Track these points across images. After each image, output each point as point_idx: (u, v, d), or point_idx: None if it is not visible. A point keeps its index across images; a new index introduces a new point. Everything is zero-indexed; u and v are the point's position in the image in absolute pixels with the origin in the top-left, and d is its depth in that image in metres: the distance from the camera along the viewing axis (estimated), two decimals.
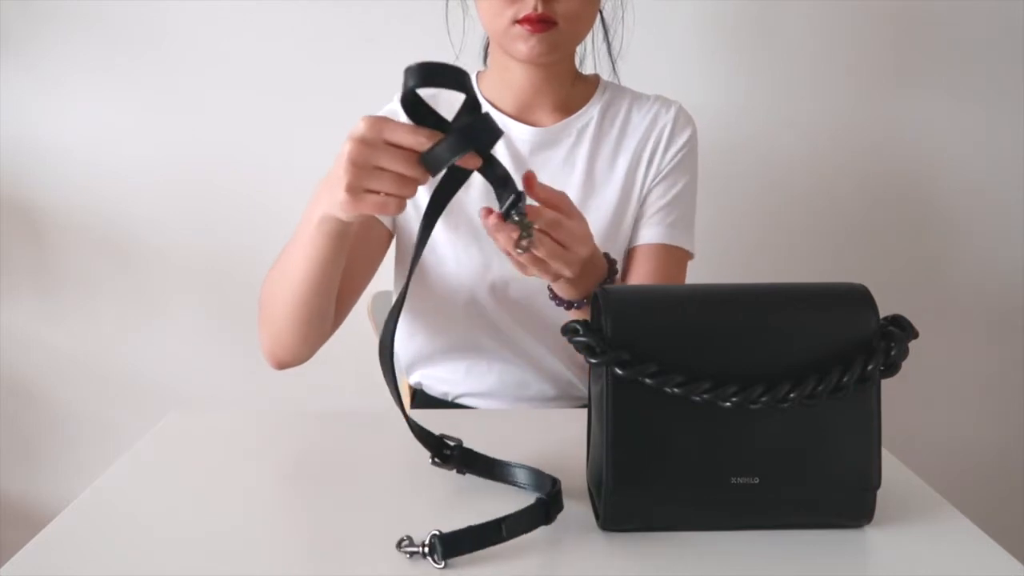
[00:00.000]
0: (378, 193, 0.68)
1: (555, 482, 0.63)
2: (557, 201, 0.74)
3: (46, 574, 0.56)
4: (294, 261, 0.86)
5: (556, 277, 0.78)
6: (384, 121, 0.66)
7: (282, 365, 0.97)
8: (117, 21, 1.49)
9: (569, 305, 0.87)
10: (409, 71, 0.63)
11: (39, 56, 1.50)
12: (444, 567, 0.56)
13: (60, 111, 1.52)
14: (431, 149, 0.64)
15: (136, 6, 1.49)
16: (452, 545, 0.56)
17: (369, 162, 0.66)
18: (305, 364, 1.51)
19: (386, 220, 1.03)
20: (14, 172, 1.54)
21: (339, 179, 0.68)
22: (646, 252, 1.03)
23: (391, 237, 1.05)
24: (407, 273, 0.70)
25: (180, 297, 1.59)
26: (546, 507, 0.60)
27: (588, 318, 0.89)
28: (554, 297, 0.88)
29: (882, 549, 0.60)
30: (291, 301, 0.89)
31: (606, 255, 0.87)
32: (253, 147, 1.54)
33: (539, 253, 0.72)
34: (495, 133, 0.65)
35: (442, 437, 0.69)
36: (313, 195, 0.79)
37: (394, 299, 1.16)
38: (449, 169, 0.67)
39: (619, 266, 1.04)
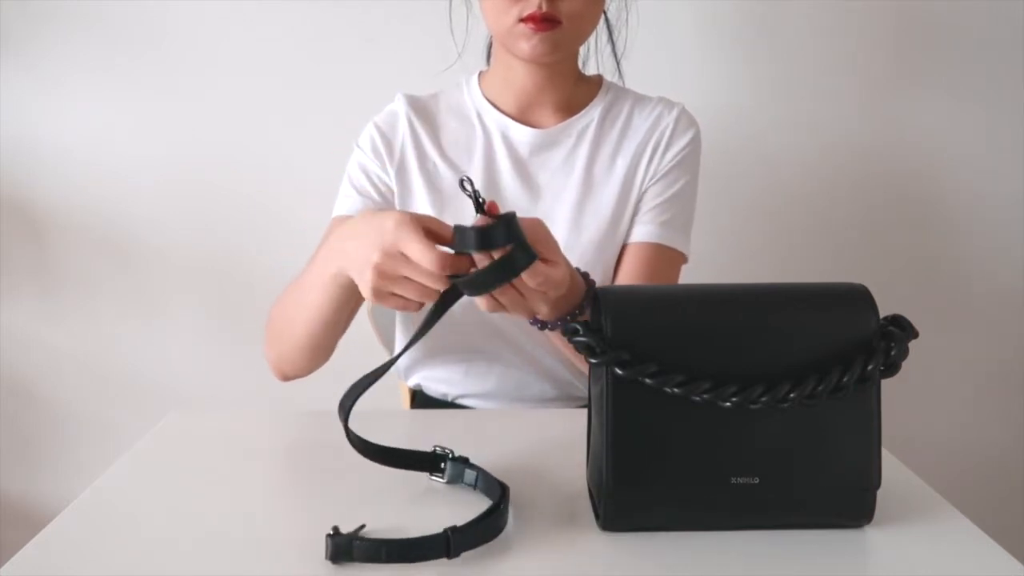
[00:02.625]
0: (400, 297, 0.71)
1: (500, 501, 0.61)
2: (535, 236, 0.70)
3: (46, 574, 0.56)
4: (308, 301, 0.88)
5: (529, 313, 0.76)
6: (402, 233, 0.67)
7: (287, 379, 1.00)
8: (117, 21, 1.49)
9: (543, 326, 0.86)
10: (467, 238, 0.64)
11: (39, 56, 1.50)
12: (448, 562, 0.56)
13: (60, 111, 1.52)
14: (472, 276, 0.66)
15: (136, 6, 1.49)
16: (341, 549, 0.56)
17: (395, 272, 0.69)
18: None
19: None
20: (14, 172, 1.54)
21: (366, 280, 0.70)
22: (636, 250, 1.02)
23: None
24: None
25: (180, 297, 1.59)
26: (447, 543, 0.56)
27: (564, 339, 0.89)
28: (533, 320, 0.87)
29: (882, 549, 0.60)
30: (302, 334, 0.92)
31: (585, 275, 0.84)
32: (253, 147, 1.54)
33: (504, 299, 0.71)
34: (531, 258, 0.66)
35: (434, 452, 0.69)
36: (331, 234, 0.79)
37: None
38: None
39: (609, 268, 1.03)
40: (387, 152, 1.03)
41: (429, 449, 0.70)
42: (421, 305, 0.72)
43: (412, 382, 1.10)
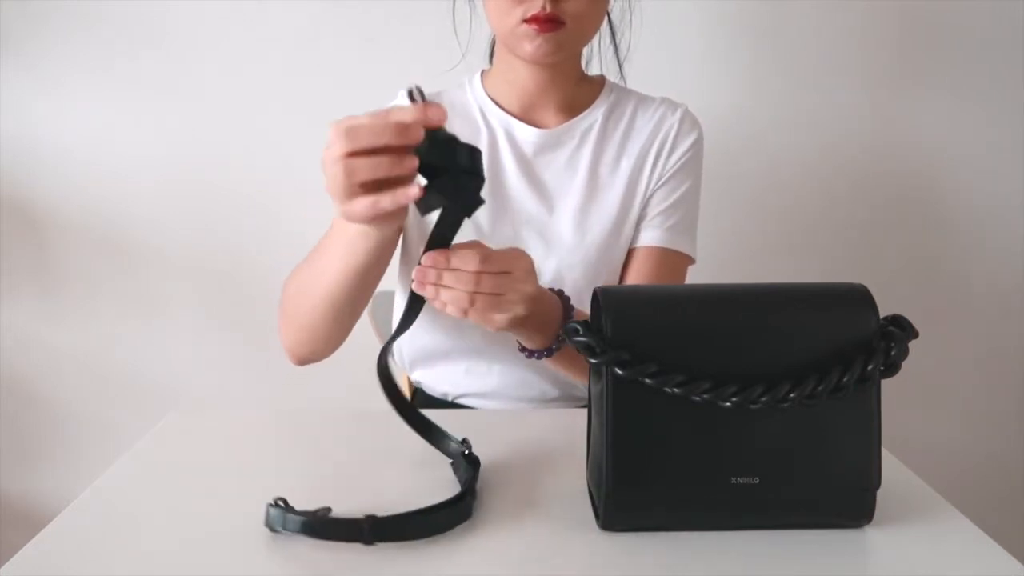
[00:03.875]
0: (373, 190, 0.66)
1: (449, 504, 0.63)
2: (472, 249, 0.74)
3: (46, 574, 0.56)
4: (330, 268, 0.84)
5: (498, 324, 0.78)
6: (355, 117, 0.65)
7: (303, 362, 0.97)
8: (117, 21, 1.49)
9: (540, 355, 0.88)
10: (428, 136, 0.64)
11: (39, 56, 1.50)
12: (447, 563, 0.56)
13: (60, 111, 1.52)
14: (428, 186, 0.66)
15: (136, 6, 1.49)
16: (282, 520, 0.60)
17: (361, 144, 0.64)
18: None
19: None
20: (14, 172, 1.54)
21: (336, 176, 0.65)
22: (644, 255, 1.03)
23: (400, 232, 1.03)
24: (409, 275, 0.71)
25: (180, 297, 1.59)
26: (361, 529, 0.59)
27: (562, 365, 0.91)
28: (524, 350, 0.88)
29: (882, 549, 0.60)
30: (324, 306, 0.88)
31: (559, 292, 0.88)
32: (253, 147, 1.54)
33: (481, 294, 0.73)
34: (477, 202, 0.66)
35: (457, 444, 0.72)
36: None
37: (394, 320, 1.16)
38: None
39: (617, 269, 1.04)
40: None
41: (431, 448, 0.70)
42: (401, 211, 0.69)
43: (414, 377, 1.10)
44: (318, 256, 0.89)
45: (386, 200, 0.66)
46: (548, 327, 0.85)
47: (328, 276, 0.85)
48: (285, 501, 0.61)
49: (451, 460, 0.72)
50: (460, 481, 0.68)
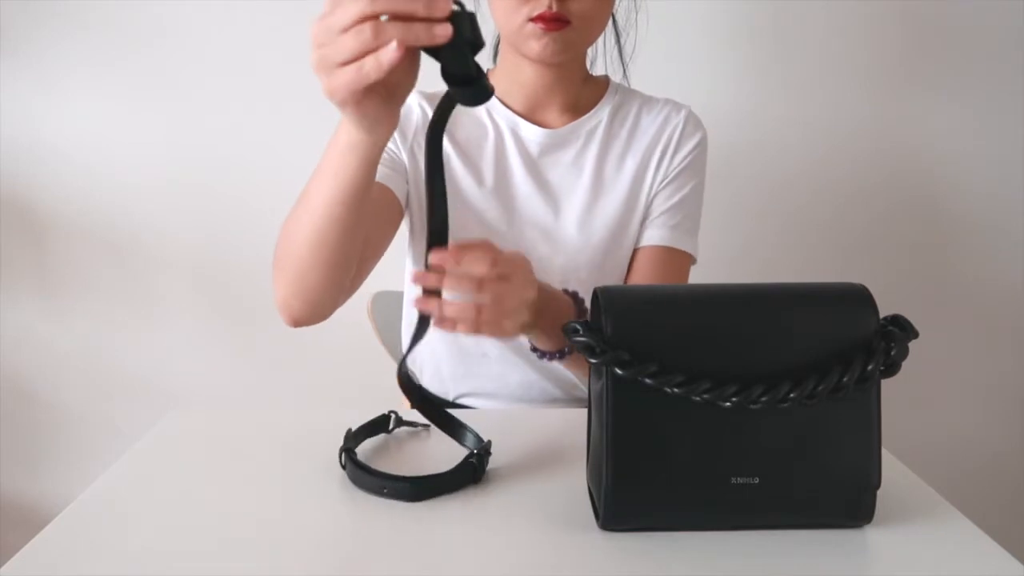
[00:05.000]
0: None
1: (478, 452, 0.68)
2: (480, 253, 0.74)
3: (46, 574, 0.56)
4: (319, 194, 0.77)
5: (508, 331, 0.78)
6: None
7: (297, 320, 0.87)
8: (117, 20, 1.49)
9: (552, 356, 0.88)
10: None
11: (39, 55, 1.50)
12: (445, 563, 0.56)
13: (60, 111, 1.52)
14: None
15: (136, 5, 1.49)
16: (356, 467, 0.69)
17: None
18: (306, 362, 1.51)
19: (399, 192, 0.99)
20: (14, 172, 1.54)
21: (361, 31, 0.58)
22: (648, 255, 1.03)
23: (402, 213, 1.02)
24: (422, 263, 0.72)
25: (180, 297, 1.59)
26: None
27: (575, 366, 0.92)
28: (536, 351, 0.89)
29: (882, 549, 0.60)
30: (312, 241, 0.80)
31: (574, 293, 0.88)
32: (254, 146, 1.54)
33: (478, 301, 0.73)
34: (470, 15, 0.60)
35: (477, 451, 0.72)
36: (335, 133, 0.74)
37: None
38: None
39: (623, 269, 1.04)
40: (400, 134, 1.01)
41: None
42: (412, 58, 0.63)
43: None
44: (306, 191, 0.81)
45: (420, 30, 0.58)
46: (558, 328, 0.83)
47: (316, 204, 0.77)
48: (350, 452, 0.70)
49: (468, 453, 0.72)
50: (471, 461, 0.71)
